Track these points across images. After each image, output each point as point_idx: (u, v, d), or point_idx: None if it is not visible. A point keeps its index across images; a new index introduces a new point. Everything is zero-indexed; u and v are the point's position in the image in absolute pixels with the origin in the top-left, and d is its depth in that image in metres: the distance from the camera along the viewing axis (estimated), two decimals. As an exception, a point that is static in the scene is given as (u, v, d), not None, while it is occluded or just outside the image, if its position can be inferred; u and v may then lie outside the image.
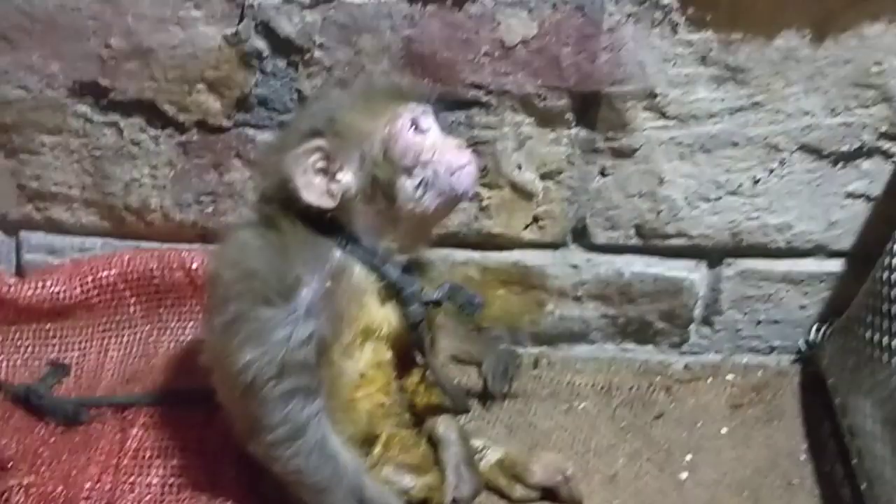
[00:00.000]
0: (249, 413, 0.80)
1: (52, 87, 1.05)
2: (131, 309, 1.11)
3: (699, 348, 1.14)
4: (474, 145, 1.00)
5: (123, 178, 1.11)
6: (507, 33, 0.97)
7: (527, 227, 1.08)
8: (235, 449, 0.87)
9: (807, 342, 1.11)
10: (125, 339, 1.11)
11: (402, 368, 0.90)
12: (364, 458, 0.84)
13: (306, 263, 0.79)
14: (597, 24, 0.96)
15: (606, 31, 0.96)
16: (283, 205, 0.82)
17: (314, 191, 0.80)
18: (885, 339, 0.91)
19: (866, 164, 1.03)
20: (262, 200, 0.86)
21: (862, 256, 1.05)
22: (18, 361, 1.09)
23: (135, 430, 0.96)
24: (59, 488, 0.89)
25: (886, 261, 0.94)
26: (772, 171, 1.03)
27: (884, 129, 1.00)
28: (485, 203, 1.07)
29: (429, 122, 0.83)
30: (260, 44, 1.00)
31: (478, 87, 1.01)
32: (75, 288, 1.09)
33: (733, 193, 1.04)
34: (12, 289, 1.09)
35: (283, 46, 1.00)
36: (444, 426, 0.91)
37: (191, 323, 1.11)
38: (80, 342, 1.10)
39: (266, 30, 0.99)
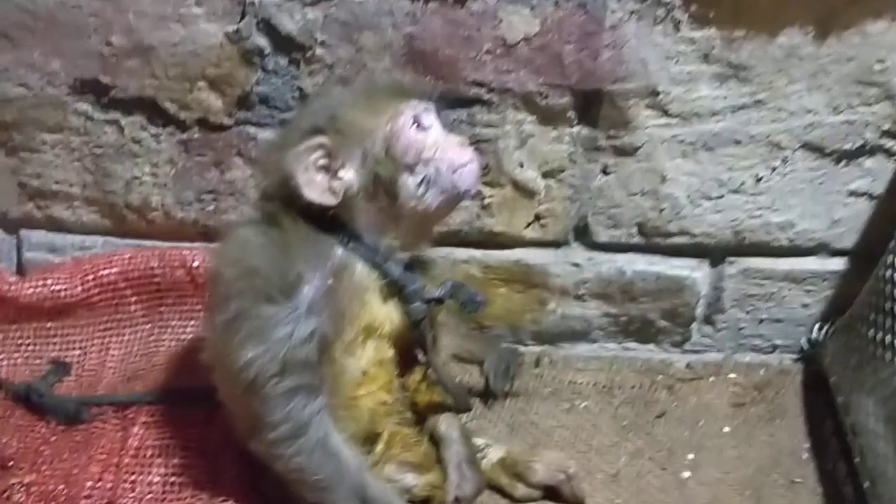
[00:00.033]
0: (251, 411, 0.79)
1: (53, 84, 1.05)
2: (132, 307, 1.11)
3: (701, 347, 1.14)
4: (476, 143, 1.00)
5: (124, 176, 1.10)
6: (509, 31, 0.97)
7: (528, 225, 1.08)
8: (237, 447, 0.86)
9: (809, 341, 1.11)
10: (126, 337, 1.11)
11: (403, 366, 0.90)
12: (366, 456, 0.84)
13: (308, 261, 0.79)
14: (599, 22, 0.96)
15: (609, 29, 0.96)
16: (284, 202, 0.81)
17: (316, 188, 0.80)
18: (888, 338, 0.91)
19: (869, 163, 1.02)
20: (263, 198, 0.86)
21: (864, 255, 1.04)
22: (19, 360, 1.09)
23: (136, 429, 0.96)
24: (61, 487, 0.89)
25: (889, 259, 0.94)
26: (774, 169, 1.03)
27: (887, 126, 1.00)
28: (486, 201, 1.07)
29: (431, 119, 0.83)
30: (261, 41, 1.00)
31: (479, 84, 1.00)
32: (76, 286, 1.09)
33: (736, 192, 1.04)
34: (13, 287, 1.09)
35: (284, 44, 1.00)
36: (445, 424, 0.91)
37: (192, 321, 1.11)
38: (81, 341, 1.10)
39: (267, 27, 0.99)
